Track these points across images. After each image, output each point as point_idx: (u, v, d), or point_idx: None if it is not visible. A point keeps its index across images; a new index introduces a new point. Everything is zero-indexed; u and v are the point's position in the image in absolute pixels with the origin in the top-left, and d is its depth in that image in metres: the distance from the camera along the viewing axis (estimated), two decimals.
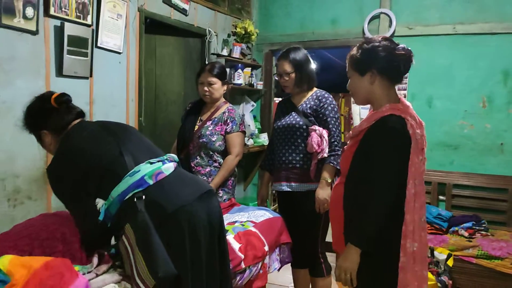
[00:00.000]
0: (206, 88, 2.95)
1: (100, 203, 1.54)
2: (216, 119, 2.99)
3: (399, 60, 1.76)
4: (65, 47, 2.56)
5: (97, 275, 1.57)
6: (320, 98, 2.77)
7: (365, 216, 1.67)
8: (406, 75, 4.26)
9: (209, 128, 2.96)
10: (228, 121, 2.98)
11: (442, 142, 4.12)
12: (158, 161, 1.65)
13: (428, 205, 3.88)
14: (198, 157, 2.98)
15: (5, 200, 2.31)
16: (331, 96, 2.82)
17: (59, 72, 2.56)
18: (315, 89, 2.86)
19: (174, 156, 1.82)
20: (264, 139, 4.69)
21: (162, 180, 1.59)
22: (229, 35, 4.30)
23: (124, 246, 1.52)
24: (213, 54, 4.05)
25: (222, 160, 3.01)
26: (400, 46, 1.79)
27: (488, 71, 3.95)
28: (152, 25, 3.49)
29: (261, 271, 2.25)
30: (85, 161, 1.60)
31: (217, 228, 1.69)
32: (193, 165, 2.98)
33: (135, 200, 1.50)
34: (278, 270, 2.57)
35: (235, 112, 3.03)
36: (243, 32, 4.39)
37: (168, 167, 1.66)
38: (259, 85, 4.75)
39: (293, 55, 2.78)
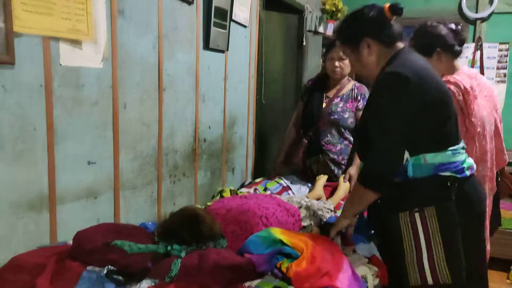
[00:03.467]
0: (337, 64, 2.85)
1: (406, 155, 1.46)
2: (344, 96, 2.90)
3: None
4: (212, 19, 2.46)
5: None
6: None
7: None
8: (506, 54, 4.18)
9: (340, 105, 2.87)
10: (359, 97, 2.89)
11: None
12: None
13: None
14: (328, 135, 2.89)
15: (167, 175, 2.23)
16: None
17: (206, 45, 2.46)
18: None
19: None
20: None
21: (473, 176, 1.56)
22: (323, 12, 4.17)
23: (413, 226, 1.46)
24: (309, 31, 3.94)
25: (352, 138, 2.92)
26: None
27: None
28: None
29: None
30: (430, 96, 1.48)
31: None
32: (323, 143, 2.89)
33: (449, 184, 1.43)
34: None
35: (364, 89, 2.94)
36: (333, 9, 4.26)
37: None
38: None
39: None
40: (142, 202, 2.07)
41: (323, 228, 1.83)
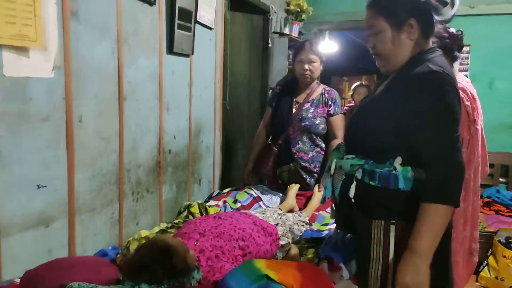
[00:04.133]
0: (306, 67, 2.74)
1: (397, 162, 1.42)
2: (315, 101, 2.79)
3: None
4: (176, 21, 2.27)
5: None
6: None
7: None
8: (467, 56, 4.22)
9: (310, 111, 2.76)
10: (330, 102, 2.79)
11: (504, 123, 4.08)
12: None
13: (497, 187, 3.86)
14: (300, 142, 2.78)
15: (130, 193, 2.03)
16: None
17: (170, 49, 2.28)
18: None
19: None
20: None
21: None
22: (287, 12, 4.05)
23: (385, 237, 1.37)
24: (275, 32, 3.81)
25: (323, 144, 2.82)
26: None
27: None
28: None
29: None
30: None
31: None
32: (294, 150, 2.78)
33: None
34: None
35: (334, 93, 2.84)
36: (298, 10, 4.15)
37: None
38: None
39: None
40: (102, 225, 1.86)
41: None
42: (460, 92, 1.66)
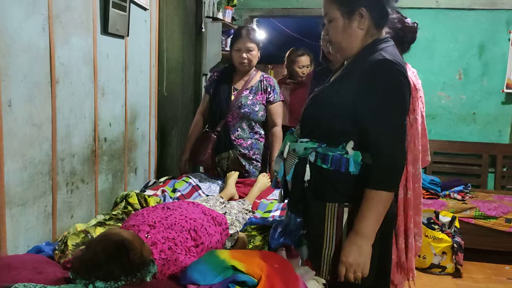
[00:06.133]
0: (244, 55, 2.71)
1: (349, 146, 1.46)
2: (253, 88, 2.78)
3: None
4: None
5: None
6: None
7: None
8: None
9: (249, 98, 2.74)
10: (269, 89, 2.79)
11: None
12: None
13: None
14: (239, 129, 2.75)
15: (64, 184, 1.87)
16: None
17: (104, 29, 2.12)
18: None
19: None
20: None
21: None
22: None
23: (338, 220, 1.43)
24: (208, 17, 3.72)
25: (262, 131, 2.82)
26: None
27: (466, 45, 4.25)
28: None
29: None
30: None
31: None
32: (233, 137, 2.75)
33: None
34: None
35: (272, 80, 2.84)
36: None
37: None
38: None
39: None
40: (34, 219, 1.70)
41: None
42: None
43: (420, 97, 2.09)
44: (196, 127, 2.87)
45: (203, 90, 3.01)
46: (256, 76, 2.83)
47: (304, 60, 3.68)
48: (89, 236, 1.72)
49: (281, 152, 1.62)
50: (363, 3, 1.46)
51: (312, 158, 1.48)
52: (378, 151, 1.39)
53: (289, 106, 3.59)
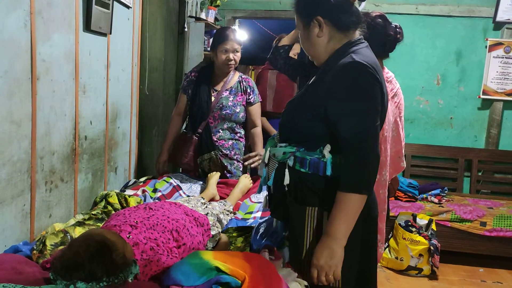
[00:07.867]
0: (231, 56, 2.70)
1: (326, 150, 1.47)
2: (233, 89, 2.78)
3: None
4: None
5: None
6: None
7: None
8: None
9: (230, 99, 2.74)
10: (249, 90, 2.81)
11: None
12: None
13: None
14: (220, 130, 2.75)
15: (43, 183, 1.84)
16: None
17: (87, 26, 2.09)
18: None
19: None
20: None
21: None
22: None
23: (318, 224, 1.43)
24: (191, 17, 3.70)
25: (242, 131, 2.83)
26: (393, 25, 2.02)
27: (444, 51, 4.34)
28: None
29: None
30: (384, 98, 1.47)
31: None
32: (215, 139, 2.75)
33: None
34: None
35: (251, 81, 2.86)
36: None
37: None
38: None
39: None
40: (12, 218, 1.66)
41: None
42: None
43: (396, 102, 2.09)
44: (173, 128, 2.85)
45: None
46: (235, 77, 2.83)
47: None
48: (68, 236, 1.70)
49: (263, 158, 1.64)
50: (317, 12, 1.47)
51: (291, 162, 1.49)
52: (348, 154, 1.40)
53: (275, 92, 3.61)
